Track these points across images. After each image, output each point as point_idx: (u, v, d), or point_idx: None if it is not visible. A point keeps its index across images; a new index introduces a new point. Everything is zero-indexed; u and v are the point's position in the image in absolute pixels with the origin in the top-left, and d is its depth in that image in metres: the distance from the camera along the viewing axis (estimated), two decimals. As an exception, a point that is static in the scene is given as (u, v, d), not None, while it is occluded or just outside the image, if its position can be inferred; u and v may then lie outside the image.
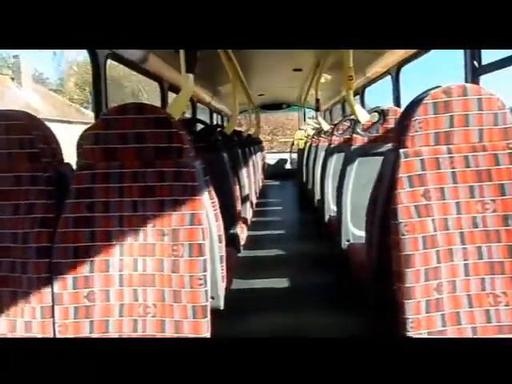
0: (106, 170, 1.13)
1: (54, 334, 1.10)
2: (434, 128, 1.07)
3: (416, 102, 1.09)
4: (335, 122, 3.89)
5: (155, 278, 1.08)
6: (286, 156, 9.11)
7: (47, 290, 1.10)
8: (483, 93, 1.05)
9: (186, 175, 1.11)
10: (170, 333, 1.07)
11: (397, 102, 3.18)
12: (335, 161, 2.53)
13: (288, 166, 8.82)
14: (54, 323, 1.10)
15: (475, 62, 1.88)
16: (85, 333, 1.09)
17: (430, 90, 1.09)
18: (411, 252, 1.01)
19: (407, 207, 1.03)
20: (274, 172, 8.64)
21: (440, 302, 1.01)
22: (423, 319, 1.01)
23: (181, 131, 1.14)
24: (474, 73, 1.90)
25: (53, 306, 1.10)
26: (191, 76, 1.51)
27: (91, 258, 1.09)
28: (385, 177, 1.17)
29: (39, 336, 1.10)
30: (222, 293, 1.38)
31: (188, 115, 4.82)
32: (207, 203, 1.23)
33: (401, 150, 1.07)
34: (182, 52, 1.49)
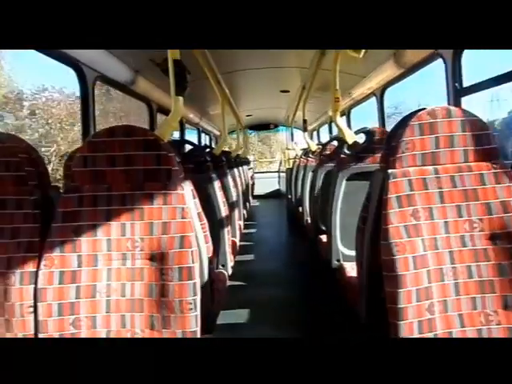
0: (93, 192, 1.12)
1: None
2: (421, 149, 1.09)
3: (402, 124, 1.12)
4: (323, 142, 3.95)
5: (144, 304, 1.05)
6: (273, 175, 9.18)
7: (30, 318, 1.06)
8: (466, 115, 1.08)
9: (175, 197, 1.10)
10: None
11: (382, 122, 3.26)
12: (324, 181, 2.55)
13: (276, 185, 8.87)
14: None
15: (457, 84, 1.95)
16: None
17: (416, 111, 1.12)
18: (402, 272, 1.00)
19: (397, 227, 1.03)
20: (262, 191, 8.67)
21: (432, 323, 1.01)
22: None
23: (170, 153, 1.14)
24: (456, 94, 1.97)
25: (36, 334, 1.05)
26: (181, 99, 1.52)
27: (77, 284, 1.06)
28: (373, 197, 1.18)
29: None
30: (211, 316, 1.35)
31: (176, 135, 4.83)
32: (197, 225, 1.22)
33: (389, 171, 1.08)
34: (171, 76, 1.50)
